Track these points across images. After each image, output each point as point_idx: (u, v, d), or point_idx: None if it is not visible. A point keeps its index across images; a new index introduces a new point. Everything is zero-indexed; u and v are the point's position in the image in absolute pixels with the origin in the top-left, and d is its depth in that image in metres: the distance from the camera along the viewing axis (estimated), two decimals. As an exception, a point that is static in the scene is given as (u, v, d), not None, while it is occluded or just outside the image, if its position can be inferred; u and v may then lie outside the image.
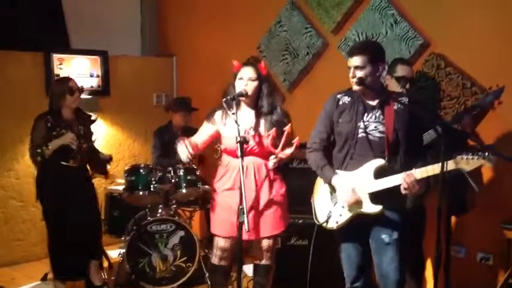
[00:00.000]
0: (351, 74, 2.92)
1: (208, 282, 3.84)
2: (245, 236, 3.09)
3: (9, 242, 5.08)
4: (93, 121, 4.36)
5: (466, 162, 2.66)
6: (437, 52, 4.08)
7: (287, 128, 3.23)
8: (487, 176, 3.84)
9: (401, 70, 3.61)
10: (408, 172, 2.78)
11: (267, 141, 3.32)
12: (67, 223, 4.08)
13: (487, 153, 2.62)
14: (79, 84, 4.19)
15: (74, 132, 4.06)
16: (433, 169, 2.72)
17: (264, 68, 3.44)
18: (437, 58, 4.07)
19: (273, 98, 3.43)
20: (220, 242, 3.49)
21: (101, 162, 4.35)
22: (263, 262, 3.54)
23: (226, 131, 3.39)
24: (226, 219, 3.39)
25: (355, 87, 2.92)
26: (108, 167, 4.42)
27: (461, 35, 3.96)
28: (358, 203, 2.90)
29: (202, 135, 3.54)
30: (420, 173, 2.76)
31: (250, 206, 3.28)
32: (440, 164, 2.67)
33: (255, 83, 3.37)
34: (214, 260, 3.55)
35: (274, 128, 3.29)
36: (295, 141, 3.21)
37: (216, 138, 3.52)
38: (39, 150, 3.96)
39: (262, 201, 3.39)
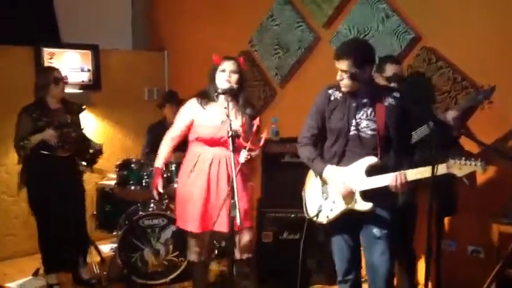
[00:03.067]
0: (338, 77, 2.90)
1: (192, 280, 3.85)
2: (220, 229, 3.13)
3: (1, 238, 5.06)
4: (82, 109, 4.34)
5: (459, 167, 2.66)
6: (429, 46, 4.09)
7: (256, 121, 3.23)
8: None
9: (389, 69, 3.60)
10: (401, 172, 2.77)
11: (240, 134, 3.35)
12: (52, 214, 4.08)
13: (479, 160, 2.62)
14: (63, 75, 4.19)
15: (61, 122, 4.05)
16: (426, 171, 2.72)
17: (243, 63, 3.54)
18: (428, 52, 4.08)
19: (247, 91, 3.58)
20: (195, 238, 3.51)
21: (90, 154, 4.32)
22: (245, 256, 3.54)
23: (203, 120, 3.44)
24: (199, 214, 3.39)
25: (344, 89, 2.91)
26: (97, 158, 4.38)
27: (453, 29, 3.97)
28: (351, 194, 2.90)
29: (177, 128, 3.61)
30: (413, 174, 2.76)
31: (224, 198, 3.30)
32: (430, 167, 2.66)
33: (237, 76, 3.46)
34: (193, 257, 3.57)
35: (243, 120, 3.38)
36: (263, 135, 3.21)
37: (190, 129, 3.58)
38: (22, 144, 3.94)
39: (237, 194, 3.37)
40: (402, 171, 2.78)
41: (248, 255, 3.55)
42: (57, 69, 4.19)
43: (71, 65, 5.41)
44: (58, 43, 5.53)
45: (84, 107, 4.38)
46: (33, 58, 5.24)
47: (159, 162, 3.68)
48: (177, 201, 3.59)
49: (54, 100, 4.09)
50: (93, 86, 5.61)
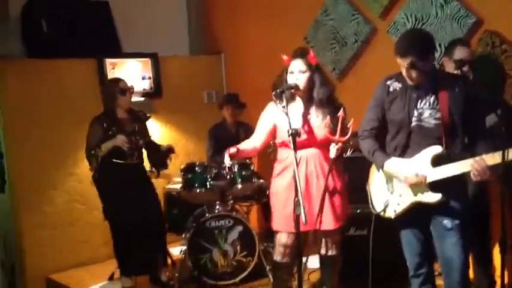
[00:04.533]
0: (405, 72, 2.82)
1: (271, 279, 3.85)
2: (306, 228, 3.07)
3: (76, 245, 5.25)
4: (148, 118, 4.45)
5: None
6: (492, 29, 3.94)
7: (341, 113, 3.18)
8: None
9: (459, 53, 3.49)
10: (478, 158, 2.66)
11: (322, 132, 3.30)
12: (126, 220, 4.20)
13: None
14: (129, 85, 4.31)
15: (129, 130, 4.17)
16: (494, 157, 2.61)
17: (313, 57, 3.39)
18: (491, 36, 3.93)
19: (325, 87, 3.38)
20: (282, 239, 3.46)
21: (160, 156, 4.43)
22: (330, 253, 3.50)
23: (281, 124, 3.37)
24: (288, 214, 3.36)
25: (411, 82, 2.83)
26: (169, 160, 4.48)
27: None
28: (420, 183, 2.82)
29: (260, 135, 3.49)
30: (491, 158, 2.64)
31: (310, 197, 3.28)
32: (499, 153, 2.57)
33: (306, 75, 3.34)
34: (277, 257, 3.52)
35: (329, 117, 3.27)
36: (350, 124, 3.15)
37: (274, 134, 3.48)
38: (93, 152, 4.09)
39: (327, 192, 3.33)
40: (478, 156, 2.66)
41: (334, 253, 3.51)
42: (123, 80, 4.31)
43: (133, 74, 5.56)
44: (119, 53, 5.69)
45: (149, 115, 4.49)
46: (96, 69, 5.42)
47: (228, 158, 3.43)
48: (273, 205, 3.54)
49: (122, 110, 4.23)
50: (154, 93, 5.74)
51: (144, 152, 4.48)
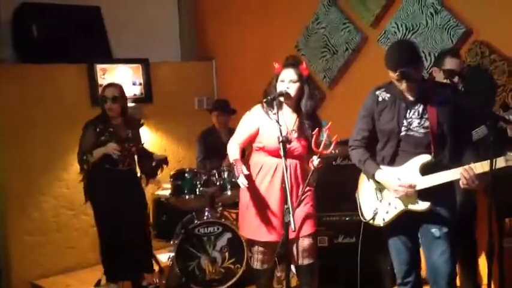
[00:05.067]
0: (398, 84, 2.83)
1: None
2: (291, 235, 3.08)
3: (63, 250, 5.21)
4: (141, 124, 4.43)
5: None
6: (481, 40, 3.97)
7: (326, 127, 3.23)
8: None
9: (449, 63, 3.52)
10: (466, 166, 2.69)
11: (304, 143, 3.35)
12: (117, 226, 4.17)
13: None
14: (117, 92, 4.19)
15: (122, 136, 4.15)
16: (483, 166, 2.64)
17: (305, 68, 3.40)
18: (481, 46, 3.96)
19: (313, 100, 3.43)
20: (259, 247, 3.47)
21: (153, 165, 4.40)
22: (306, 262, 3.48)
23: (267, 130, 3.38)
24: (263, 222, 3.38)
25: (410, 95, 2.85)
26: (160, 171, 4.46)
27: (506, 20, 3.84)
28: (410, 193, 2.83)
29: (242, 137, 3.47)
30: (480, 166, 2.67)
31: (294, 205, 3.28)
32: (495, 159, 2.59)
33: (297, 85, 3.35)
34: (256, 264, 3.53)
35: (317, 128, 3.28)
36: (334, 139, 3.21)
37: (255, 137, 3.46)
38: (85, 157, 4.07)
39: (300, 201, 3.37)
40: (468, 165, 2.69)
41: (309, 261, 3.50)
42: (109, 87, 4.25)
43: (123, 80, 5.53)
44: (110, 59, 5.68)
45: (142, 121, 4.47)
46: (87, 75, 5.40)
47: (234, 155, 3.37)
48: (243, 211, 3.53)
49: (113, 116, 4.20)
50: (145, 99, 5.73)
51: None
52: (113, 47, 5.76)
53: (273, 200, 3.38)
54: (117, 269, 4.29)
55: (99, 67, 5.45)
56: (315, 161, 3.23)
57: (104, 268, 4.33)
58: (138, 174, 4.44)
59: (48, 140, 5.14)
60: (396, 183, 2.84)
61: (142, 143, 4.42)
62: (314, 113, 3.47)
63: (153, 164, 4.42)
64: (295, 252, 3.45)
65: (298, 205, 3.33)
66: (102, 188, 4.16)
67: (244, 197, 3.48)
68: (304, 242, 3.43)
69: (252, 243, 3.55)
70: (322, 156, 3.21)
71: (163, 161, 4.44)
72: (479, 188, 2.75)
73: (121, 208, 4.14)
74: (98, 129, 4.11)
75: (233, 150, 3.41)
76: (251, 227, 3.47)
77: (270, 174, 3.38)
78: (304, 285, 3.58)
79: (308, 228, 3.41)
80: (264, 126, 3.39)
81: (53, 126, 5.17)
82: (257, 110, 3.45)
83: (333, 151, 3.31)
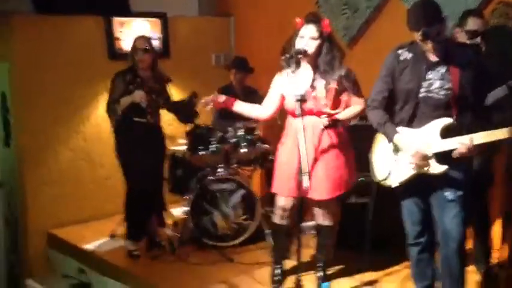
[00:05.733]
0: (428, 45, 2.76)
1: (271, 241, 3.88)
2: (306, 194, 3.07)
3: (79, 201, 5.28)
4: (169, 79, 4.40)
5: None
6: (506, 0, 3.85)
7: (333, 84, 3.23)
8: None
9: (472, 23, 3.43)
10: (468, 136, 2.67)
11: (323, 101, 3.29)
12: (142, 179, 4.20)
13: None
14: (147, 44, 4.20)
15: (149, 88, 4.14)
16: (499, 133, 2.62)
17: (327, 25, 3.32)
18: (505, 6, 3.84)
19: (331, 56, 3.32)
20: (281, 201, 3.51)
21: (187, 108, 4.38)
22: (326, 223, 3.53)
23: (288, 92, 3.34)
24: (286, 178, 3.39)
25: (435, 54, 2.79)
26: (196, 106, 4.36)
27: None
28: (425, 160, 2.81)
29: (269, 107, 3.53)
30: (485, 136, 2.65)
31: (310, 166, 3.26)
32: (507, 129, 2.57)
33: (317, 42, 3.28)
34: (275, 219, 3.57)
35: (334, 86, 3.23)
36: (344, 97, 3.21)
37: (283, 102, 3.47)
38: (112, 106, 4.10)
39: (324, 162, 3.35)
40: (469, 135, 2.67)
41: (326, 223, 3.53)
42: (140, 39, 4.24)
43: (141, 34, 5.48)
44: (128, 12, 5.62)
45: (171, 78, 4.43)
46: (103, 28, 5.37)
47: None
48: (275, 168, 3.55)
49: (143, 68, 4.19)
50: (162, 53, 5.68)
51: (167, 113, 4.45)
52: (131, 0, 5.70)
53: (293, 159, 3.32)
54: (139, 224, 4.34)
55: (116, 20, 5.41)
56: (322, 119, 3.25)
57: (127, 225, 4.36)
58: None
59: (65, 92, 5.16)
60: (413, 150, 2.81)
61: (170, 97, 4.40)
62: (336, 67, 3.34)
63: (186, 103, 4.36)
64: (315, 212, 3.52)
65: (322, 165, 3.34)
66: (130, 140, 4.18)
67: (277, 155, 3.53)
68: (323, 204, 3.45)
69: (275, 197, 3.58)
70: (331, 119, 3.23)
71: (193, 97, 4.35)
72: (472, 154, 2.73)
73: (146, 161, 4.17)
74: (127, 79, 4.11)
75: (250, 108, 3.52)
76: (275, 182, 3.51)
77: (291, 134, 3.35)
78: (320, 245, 3.64)
79: (329, 191, 3.38)
80: (287, 89, 3.34)
81: (70, 79, 5.18)
82: (278, 78, 3.45)
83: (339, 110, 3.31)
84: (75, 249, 4.72)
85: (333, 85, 3.29)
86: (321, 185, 3.35)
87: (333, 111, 3.27)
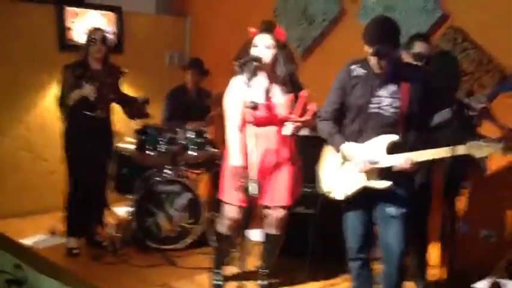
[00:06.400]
0: (372, 60, 2.83)
1: (214, 245, 3.87)
2: (258, 202, 3.08)
3: (19, 192, 5.13)
4: (122, 73, 4.32)
5: (478, 148, 2.66)
6: (456, 26, 4.01)
7: (303, 93, 3.20)
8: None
9: (418, 47, 3.53)
10: (416, 153, 2.76)
11: (282, 110, 3.31)
12: (85, 175, 4.12)
13: (501, 143, 2.60)
14: (104, 37, 4.13)
15: (100, 82, 4.06)
16: (443, 152, 2.72)
17: (281, 34, 3.34)
18: (455, 32, 3.99)
19: (288, 65, 3.33)
20: (231, 212, 3.46)
21: (137, 107, 4.33)
22: (274, 232, 3.55)
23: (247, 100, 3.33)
24: (240, 187, 3.34)
25: (379, 71, 2.84)
26: (145, 108, 4.39)
27: (482, 8, 3.87)
28: (371, 170, 2.89)
29: (237, 115, 3.35)
30: (430, 154, 2.75)
31: (263, 173, 3.29)
32: (449, 147, 2.68)
33: (271, 51, 3.29)
34: (222, 229, 3.55)
35: (291, 94, 3.25)
36: (311, 107, 3.18)
37: None
38: (63, 101, 4.01)
39: (279, 170, 3.38)
40: (415, 152, 2.77)
41: (273, 232, 3.55)
42: (98, 30, 4.16)
43: (95, 26, 5.37)
44: (82, 3, 5.50)
45: (124, 71, 4.34)
46: (55, 16, 5.23)
47: (235, 159, 3.32)
48: (224, 175, 3.49)
49: (95, 60, 4.10)
50: (116, 48, 5.59)
51: (118, 110, 4.37)
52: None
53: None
54: (80, 221, 4.25)
55: (70, 10, 5.28)
56: (287, 127, 3.22)
57: (67, 221, 4.26)
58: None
59: (9, 80, 5.00)
60: (361, 158, 2.88)
61: (120, 90, 4.33)
62: (293, 78, 3.38)
63: (139, 104, 4.33)
64: (265, 220, 3.52)
65: (277, 173, 3.35)
66: (78, 134, 4.08)
67: (225, 161, 3.46)
68: (272, 213, 3.47)
69: (222, 206, 3.54)
70: (297, 123, 3.21)
71: (146, 101, 4.36)
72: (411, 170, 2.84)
73: (92, 157, 4.09)
74: (76, 73, 4.01)
75: (234, 145, 3.32)
76: (225, 190, 3.46)
77: (250, 143, 3.27)
78: (266, 254, 3.66)
79: (279, 199, 3.41)
80: (241, 95, 3.30)
81: (16, 66, 5.03)
82: (237, 83, 3.34)
83: (307, 118, 3.24)
84: (12, 244, 4.54)
85: (290, 94, 3.31)
86: (279, 193, 3.38)
87: (299, 119, 3.23)
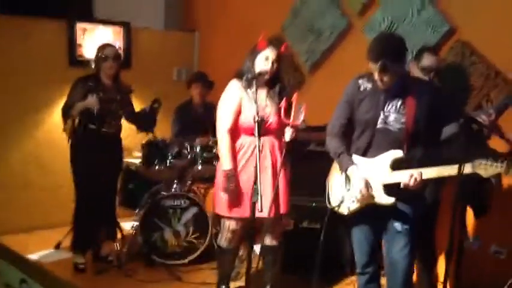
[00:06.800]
0: (377, 76, 2.82)
1: (216, 263, 3.85)
2: (260, 214, 3.06)
3: (26, 208, 5.14)
4: (131, 91, 4.35)
5: (484, 168, 2.61)
6: (463, 40, 3.99)
7: (294, 98, 3.22)
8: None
9: (427, 60, 3.52)
10: (417, 170, 2.73)
11: (276, 118, 3.35)
12: (94, 191, 4.11)
13: (505, 163, 2.55)
14: (117, 53, 4.19)
15: (110, 97, 4.09)
16: (449, 170, 2.68)
17: (286, 48, 3.42)
18: (462, 46, 3.98)
19: (281, 76, 3.46)
20: (231, 225, 3.47)
21: (147, 118, 4.31)
22: (273, 243, 3.53)
23: (245, 107, 3.36)
24: (238, 199, 3.37)
25: (384, 87, 2.82)
26: (157, 113, 4.35)
27: (489, 22, 3.86)
28: (371, 197, 2.87)
29: (229, 117, 3.38)
30: (435, 172, 2.71)
31: (265, 185, 3.28)
32: (456, 166, 2.63)
33: (275, 65, 3.37)
34: (223, 243, 3.54)
35: (284, 99, 3.26)
36: (303, 108, 3.17)
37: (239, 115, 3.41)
38: (68, 112, 4.02)
39: (276, 181, 3.36)
40: (419, 169, 2.73)
41: (273, 243, 3.53)
42: (110, 47, 4.20)
43: (103, 41, 5.41)
44: (91, 18, 5.55)
45: (132, 88, 4.37)
46: (65, 33, 5.28)
47: (227, 163, 3.37)
48: (217, 187, 3.50)
49: (106, 76, 4.13)
50: (123, 63, 5.60)
51: (126, 125, 4.38)
52: (96, 6, 5.64)
53: (247, 179, 3.35)
54: (86, 237, 4.24)
55: (79, 26, 5.34)
56: (287, 132, 3.23)
57: (73, 235, 4.25)
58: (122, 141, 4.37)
59: (20, 95, 5.05)
60: (360, 186, 2.86)
61: (133, 107, 4.34)
62: (283, 85, 3.47)
63: (147, 111, 4.30)
64: (264, 233, 3.50)
65: (276, 183, 3.34)
66: (85, 149, 4.09)
67: (220, 174, 3.44)
68: (274, 223, 3.46)
69: (222, 220, 3.54)
70: (295, 127, 3.22)
71: (155, 101, 4.31)
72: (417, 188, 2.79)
73: (100, 172, 4.09)
74: (86, 87, 4.03)
75: (224, 149, 3.37)
76: (224, 203, 3.45)
77: (248, 153, 3.37)
78: (267, 266, 3.62)
79: (283, 207, 3.42)
80: (243, 102, 3.37)
81: (27, 82, 5.08)
82: (234, 87, 3.40)
83: (304, 122, 3.30)
84: (19, 258, 4.56)
85: (283, 102, 3.31)
86: (277, 202, 3.37)
87: (295, 123, 3.23)
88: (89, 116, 4.01)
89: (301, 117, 3.19)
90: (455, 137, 3.19)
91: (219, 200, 3.49)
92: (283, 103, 3.23)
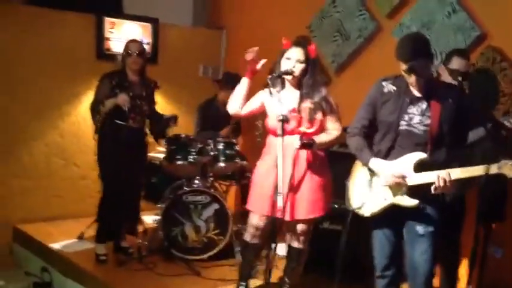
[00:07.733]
0: (409, 79, 2.80)
1: (239, 260, 3.85)
2: (279, 215, 3.07)
3: (49, 198, 5.22)
4: (157, 87, 4.38)
5: (510, 168, 2.57)
6: (494, 45, 3.93)
7: (308, 104, 3.28)
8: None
9: (456, 63, 3.48)
10: (445, 171, 2.69)
11: (304, 121, 3.33)
12: (120, 184, 4.14)
13: None
14: (142, 49, 4.21)
15: (135, 93, 4.12)
16: (475, 170, 2.64)
17: (313, 50, 3.37)
18: (493, 51, 3.92)
19: (314, 80, 3.37)
20: (254, 220, 3.49)
21: (162, 124, 4.35)
22: (296, 245, 3.53)
23: (270, 109, 3.37)
24: (262, 197, 3.38)
25: (416, 89, 2.82)
26: (169, 129, 4.39)
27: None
28: (399, 185, 2.84)
29: (250, 104, 3.50)
30: (461, 172, 2.68)
31: (287, 186, 3.26)
32: (482, 166, 2.60)
33: (302, 65, 3.34)
34: (247, 236, 3.56)
35: (310, 106, 3.28)
36: (318, 116, 3.25)
37: (260, 113, 3.49)
38: (97, 107, 4.06)
39: (301, 183, 3.36)
40: (446, 170, 2.69)
41: (297, 246, 3.53)
42: (135, 43, 4.23)
43: (131, 37, 5.46)
44: (120, 13, 5.61)
45: (158, 84, 4.40)
46: (94, 27, 5.34)
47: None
48: (252, 185, 3.55)
49: (131, 72, 4.17)
50: (150, 59, 5.65)
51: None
52: (125, 2, 5.69)
53: (268, 177, 3.35)
54: (110, 229, 4.28)
55: (107, 20, 5.39)
56: (296, 140, 3.23)
57: (98, 227, 4.28)
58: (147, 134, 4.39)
59: (46, 87, 5.12)
60: (389, 172, 2.84)
61: (155, 103, 4.37)
62: (318, 92, 3.39)
63: (164, 121, 4.33)
64: (287, 233, 3.51)
65: (297, 186, 3.33)
66: (111, 143, 4.12)
67: (255, 172, 3.51)
68: (296, 226, 3.46)
69: (249, 215, 3.56)
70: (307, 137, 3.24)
71: (172, 119, 4.34)
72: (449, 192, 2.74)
73: (125, 166, 4.11)
74: (113, 82, 4.07)
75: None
76: (251, 199, 3.50)
77: (274, 152, 3.30)
78: (289, 267, 3.62)
79: (303, 212, 3.38)
80: (269, 106, 3.38)
81: (54, 74, 5.15)
82: (259, 92, 3.48)
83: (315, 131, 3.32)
84: (41, 247, 4.63)
85: (310, 105, 3.33)
86: (297, 206, 3.35)
87: (308, 130, 3.29)
88: (117, 111, 4.05)
89: (315, 126, 3.26)
90: (481, 141, 3.15)
91: (250, 196, 3.54)
92: (306, 108, 3.22)
